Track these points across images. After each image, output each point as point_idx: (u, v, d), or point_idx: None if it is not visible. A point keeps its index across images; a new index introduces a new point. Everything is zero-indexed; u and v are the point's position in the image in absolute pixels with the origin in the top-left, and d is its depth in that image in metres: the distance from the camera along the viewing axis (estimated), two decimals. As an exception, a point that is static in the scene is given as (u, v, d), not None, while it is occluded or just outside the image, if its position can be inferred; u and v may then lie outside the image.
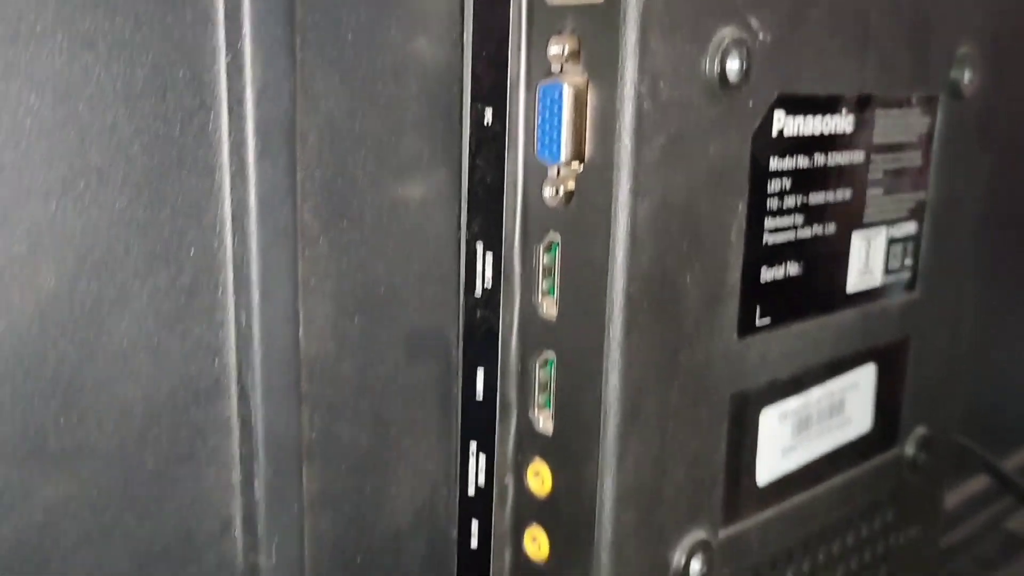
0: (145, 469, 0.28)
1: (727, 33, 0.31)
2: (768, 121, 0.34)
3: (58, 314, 0.25)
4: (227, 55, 0.27)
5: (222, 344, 0.28)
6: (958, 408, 0.49)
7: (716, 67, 0.31)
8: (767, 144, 0.34)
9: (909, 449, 0.46)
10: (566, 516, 0.34)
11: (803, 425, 0.39)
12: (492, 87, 0.32)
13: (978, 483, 0.71)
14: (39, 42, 0.24)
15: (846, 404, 0.41)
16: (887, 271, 0.41)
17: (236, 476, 0.29)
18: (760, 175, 0.34)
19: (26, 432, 0.25)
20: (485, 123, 0.32)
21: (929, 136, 0.42)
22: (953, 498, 0.68)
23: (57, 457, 0.26)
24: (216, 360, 0.28)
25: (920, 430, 0.46)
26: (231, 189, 0.27)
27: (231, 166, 0.27)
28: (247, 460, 0.29)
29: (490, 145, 0.33)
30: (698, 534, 0.35)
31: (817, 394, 0.40)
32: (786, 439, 0.38)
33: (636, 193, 0.30)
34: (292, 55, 0.28)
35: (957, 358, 0.47)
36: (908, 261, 0.43)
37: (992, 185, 0.46)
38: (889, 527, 0.46)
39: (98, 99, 0.25)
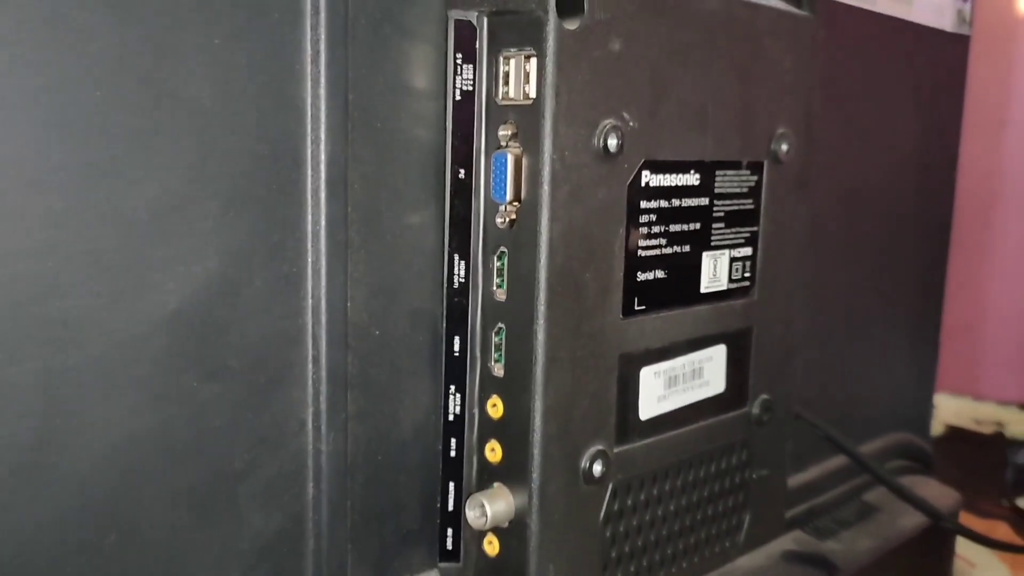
0: (261, 382, 0.45)
1: (608, 122, 0.48)
2: (638, 177, 0.52)
3: (208, 292, 0.43)
4: (311, 137, 0.45)
5: (304, 309, 0.46)
6: (795, 383, 0.67)
7: (601, 143, 0.48)
8: (638, 191, 0.52)
9: (755, 409, 0.63)
10: (512, 431, 0.49)
11: (672, 382, 0.57)
12: (464, 155, 0.48)
13: (839, 461, 0.89)
14: (206, 145, 0.42)
15: (704, 371, 0.59)
16: (731, 280, 0.60)
17: (309, 394, 0.47)
18: (634, 211, 0.52)
19: (182, 365, 0.43)
20: (460, 178, 0.48)
21: (758, 189, 0.61)
22: (818, 471, 0.86)
23: (211, 372, 0.44)
24: (300, 319, 0.46)
25: (763, 396, 0.63)
26: (311, 216, 0.45)
27: (312, 202, 0.45)
28: (316, 384, 0.46)
29: (463, 192, 0.48)
30: (598, 446, 0.52)
31: (682, 361, 0.57)
32: (659, 390, 0.56)
33: (552, 220, 0.47)
34: (346, 136, 0.46)
35: (790, 345, 0.66)
36: (747, 274, 0.61)
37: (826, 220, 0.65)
38: (743, 464, 0.63)
39: (237, 165, 0.42)
